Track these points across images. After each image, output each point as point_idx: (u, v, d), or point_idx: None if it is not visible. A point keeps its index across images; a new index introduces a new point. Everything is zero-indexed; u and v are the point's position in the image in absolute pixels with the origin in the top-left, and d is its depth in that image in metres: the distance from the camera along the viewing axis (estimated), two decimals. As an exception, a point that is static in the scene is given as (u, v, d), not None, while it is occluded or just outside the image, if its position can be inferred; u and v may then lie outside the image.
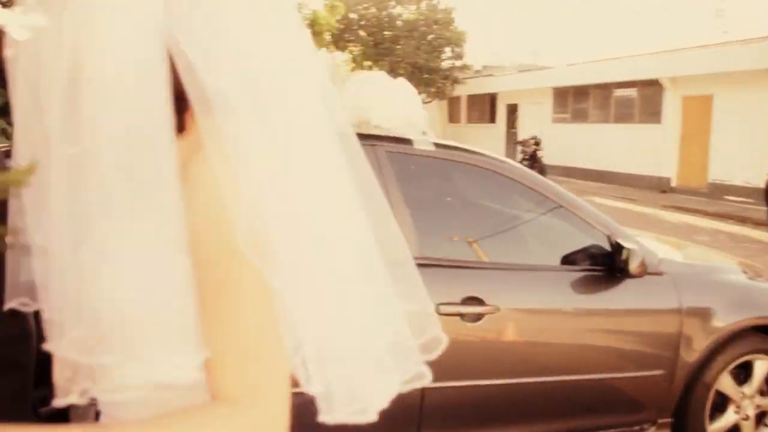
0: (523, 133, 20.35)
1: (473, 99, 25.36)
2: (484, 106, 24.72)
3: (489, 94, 24.07)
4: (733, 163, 13.69)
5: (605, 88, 18.21)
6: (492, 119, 24.19)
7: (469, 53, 23.65)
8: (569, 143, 19.23)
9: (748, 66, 13.10)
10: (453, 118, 26.92)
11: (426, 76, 21.42)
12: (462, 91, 24.51)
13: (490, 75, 24.87)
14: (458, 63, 22.93)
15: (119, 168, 0.67)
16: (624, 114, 17.77)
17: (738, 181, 13.85)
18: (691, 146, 15.28)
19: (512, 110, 22.88)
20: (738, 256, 4.71)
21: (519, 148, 18.86)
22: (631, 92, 17.33)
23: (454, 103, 26.32)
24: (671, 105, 15.84)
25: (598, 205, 6.78)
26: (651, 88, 16.33)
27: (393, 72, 19.21)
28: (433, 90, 22.02)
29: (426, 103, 20.91)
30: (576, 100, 19.84)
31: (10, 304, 0.82)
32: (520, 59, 27.81)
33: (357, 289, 0.77)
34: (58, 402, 0.78)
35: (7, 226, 0.76)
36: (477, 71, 24.52)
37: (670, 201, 13.90)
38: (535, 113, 21.13)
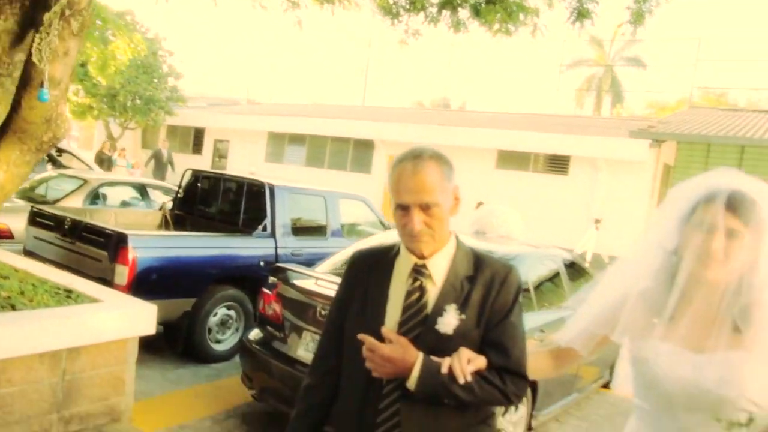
0: (232, 168, 21.79)
1: (180, 129, 25.09)
2: (188, 138, 25.15)
3: (195, 127, 24.79)
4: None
5: (322, 139, 21.41)
6: (198, 151, 24.89)
7: (181, 83, 23.46)
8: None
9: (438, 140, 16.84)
10: (147, 144, 25.96)
11: (146, 105, 20.99)
12: (177, 121, 23.62)
13: (202, 107, 26.66)
14: (174, 94, 22.52)
15: None
16: (338, 162, 21.06)
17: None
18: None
19: (221, 144, 24.11)
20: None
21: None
22: (347, 145, 20.97)
23: (151, 131, 24.84)
24: (379, 160, 19.92)
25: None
26: (363, 144, 20.40)
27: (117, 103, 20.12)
28: (149, 118, 21.42)
29: (131, 129, 22.26)
30: (292, 145, 22.37)
31: None
32: (230, 93, 30.32)
33: None
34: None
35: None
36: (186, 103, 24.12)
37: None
38: (248, 151, 22.92)
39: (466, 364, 1.51)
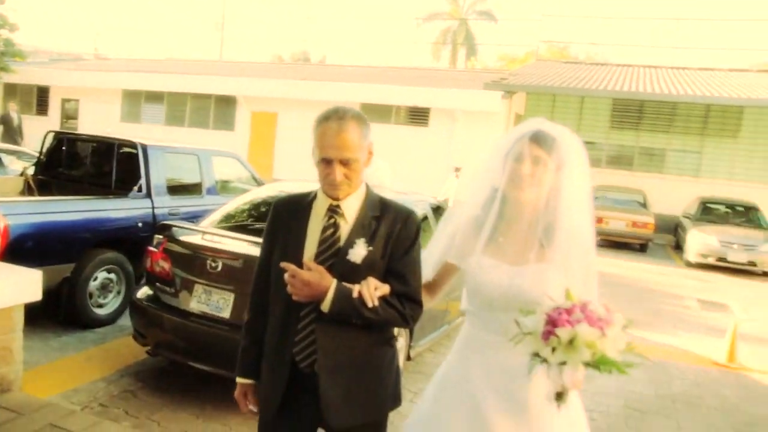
0: (84, 129, 19.44)
1: (19, 88, 22.93)
2: (31, 97, 23.26)
3: (39, 86, 22.93)
4: (293, 166, 16.76)
5: (181, 96, 20.86)
6: (43, 111, 23.08)
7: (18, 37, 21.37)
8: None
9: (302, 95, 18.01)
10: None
11: None
12: (15, 79, 21.53)
13: (45, 63, 24.93)
14: (10, 48, 20.59)
15: None
16: (199, 120, 20.77)
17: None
18: (258, 150, 19.17)
19: (70, 104, 22.76)
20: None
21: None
22: (208, 102, 20.66)
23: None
24: (243, 117, 20.07)
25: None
26: (225, 101, 20.20)
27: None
28: None
29: None
30: (149, 104, 21.61)
31: None
32: (74, 47, 28.40)
33: None
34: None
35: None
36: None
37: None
38: (100, 111, 21.77)
39: (374, 290, 1.82)
